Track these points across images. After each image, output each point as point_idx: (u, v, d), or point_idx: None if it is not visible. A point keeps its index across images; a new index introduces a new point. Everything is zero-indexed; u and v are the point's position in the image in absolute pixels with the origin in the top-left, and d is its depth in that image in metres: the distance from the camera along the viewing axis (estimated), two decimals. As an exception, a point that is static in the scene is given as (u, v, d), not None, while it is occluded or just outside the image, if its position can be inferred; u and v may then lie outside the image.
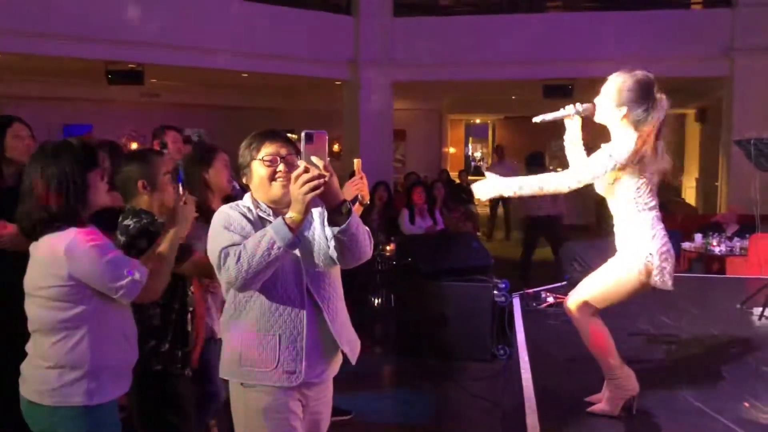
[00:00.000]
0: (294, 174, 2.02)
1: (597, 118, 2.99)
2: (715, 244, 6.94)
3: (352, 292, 5.48)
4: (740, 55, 9.99)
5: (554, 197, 8.88)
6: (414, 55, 10.52)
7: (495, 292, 5.57)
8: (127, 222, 2.74)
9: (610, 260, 3.05)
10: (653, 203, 2.91)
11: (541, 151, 10.88)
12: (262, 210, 2.29)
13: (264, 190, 2.28)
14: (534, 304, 5.12)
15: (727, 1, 10.21)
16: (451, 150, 17.60)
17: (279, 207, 2.28)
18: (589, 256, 5.80)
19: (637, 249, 2.90)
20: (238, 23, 9.42)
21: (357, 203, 2.79)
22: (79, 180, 2.29)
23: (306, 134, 2.00)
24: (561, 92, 10.58)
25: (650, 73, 2.91)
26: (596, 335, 3.01)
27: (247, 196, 2.34)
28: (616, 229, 3.04)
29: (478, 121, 21.25)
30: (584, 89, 11.18)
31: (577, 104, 3.03)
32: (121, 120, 12.82)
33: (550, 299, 5.15)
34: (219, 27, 9.23)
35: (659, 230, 2.91)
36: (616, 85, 2.91)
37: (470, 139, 21.86)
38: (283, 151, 2.28)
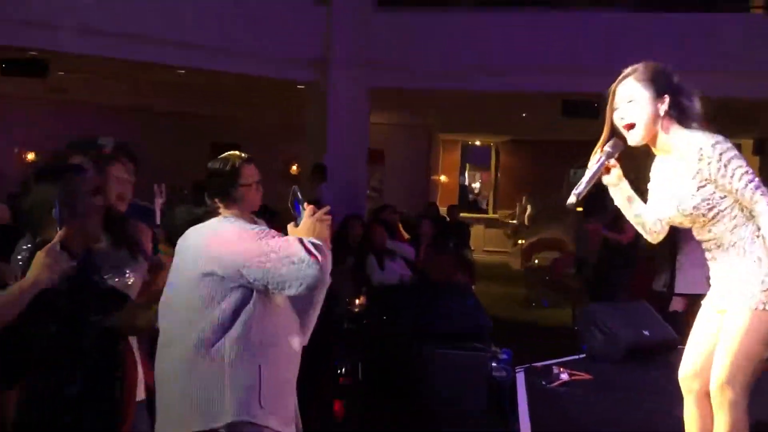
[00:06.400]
0: (323, 214, 2.84)
1: (633, 138, 3.02)
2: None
3: (313, 358, 5.39)
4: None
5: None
6: (398, 56, 10.64)
7: (493, 364, 5.53)
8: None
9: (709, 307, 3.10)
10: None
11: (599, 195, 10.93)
12: None
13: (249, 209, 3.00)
14: (543, 383, 5.08)
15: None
16: (443, 179, 17.74)
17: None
18: (614, 322, 5.80)
19: (752, 279, 2.94)
20: (174, 6, 9.44)
21: None
22: None
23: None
24: (584, 111, 10.69)
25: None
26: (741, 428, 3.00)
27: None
28: (713, 259, 3.08)
29: (477, 143, 21.50)
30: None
31: (604, 147, 3.07)
32: (19, 121, 12.78)
33: (564, 376, 5.12)
34: (149, 9, 9.25)
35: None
36: (645, 75, 2.98)
37: (467, 165, 21.99)
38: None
